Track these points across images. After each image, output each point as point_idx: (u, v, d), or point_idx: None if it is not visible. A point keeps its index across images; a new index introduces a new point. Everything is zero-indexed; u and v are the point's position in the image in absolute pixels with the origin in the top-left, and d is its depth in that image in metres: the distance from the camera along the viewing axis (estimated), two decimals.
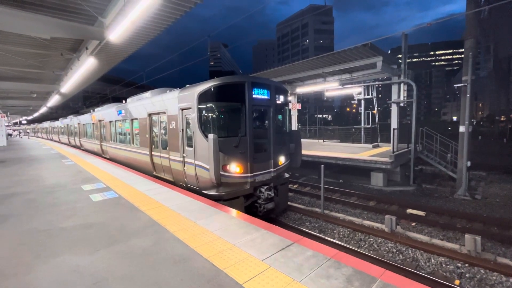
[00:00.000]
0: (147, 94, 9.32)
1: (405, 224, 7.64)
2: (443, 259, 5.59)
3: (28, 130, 60.78)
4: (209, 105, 6.17)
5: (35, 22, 7.13)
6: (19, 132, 56.07)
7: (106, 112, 12.84)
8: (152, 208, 4.67)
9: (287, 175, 7.71)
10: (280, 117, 7.38)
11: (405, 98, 13.23)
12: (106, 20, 7.48)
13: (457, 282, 4.90)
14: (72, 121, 21.03)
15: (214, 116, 6.22)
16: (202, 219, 4.12)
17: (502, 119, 48.73)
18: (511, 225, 7.16)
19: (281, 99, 7.24)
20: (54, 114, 39.44)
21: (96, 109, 15.52)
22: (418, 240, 6.41)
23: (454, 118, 63.82)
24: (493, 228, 7.25)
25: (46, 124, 36.93)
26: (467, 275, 5.08)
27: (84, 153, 14.65)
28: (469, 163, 10.45)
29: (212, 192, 6.08)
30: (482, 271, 5.15)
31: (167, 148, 7.53)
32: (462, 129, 10.62)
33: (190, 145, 6.52)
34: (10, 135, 45.01)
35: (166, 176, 7.87)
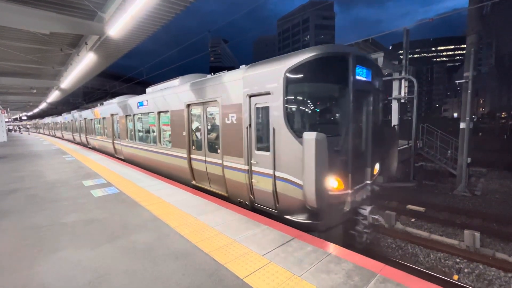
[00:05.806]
0: (176, 81, 7.56)
1: (405, 220, 7.68)
2: (442, 255, 5.64)
3: (28, 126, 60.73)
4: (302, 89, 4.21)
5: (34, 17, 7.10)
6: (19, 128, 56.17)
7: (121, 105, 10.81)
8: (153, 204, 4.70)
9: (376, 187, 5.31)
10: (374, 108, 5.15)
11: (406, 94, 13.20)
12: (105, 15, 7.43)
13: (455, 277, 4.95)
14: (78, 116, 19.01)
15: (309, 106, 4.34)
16: (203, 214, 4.15)
17: (503, 115, 48.69)
18: (510, 221, 7.20)
19: (378, 83, 5.12)
20: (54, 110, 39.40)
21: (105, 102, 13.54)
22: (417, 235, 6.46)
23: (455, 115, 63.68)
24: (492, 224, 7.29)
25: (48, 119, 36.10)
26: (465, 270, 5.13)
27: (85, 149, 14.65)
28: (469, 160, 10.47)
29: (302, 219, 4.10)
30: (480, 266, 5.20)
31: (218, 151, 5.54)
32: (462, 125, 10.61)
33: (264, 148, 4.51)
34: (10, 130, 45.17)
35: (214, 187, 5.92)
